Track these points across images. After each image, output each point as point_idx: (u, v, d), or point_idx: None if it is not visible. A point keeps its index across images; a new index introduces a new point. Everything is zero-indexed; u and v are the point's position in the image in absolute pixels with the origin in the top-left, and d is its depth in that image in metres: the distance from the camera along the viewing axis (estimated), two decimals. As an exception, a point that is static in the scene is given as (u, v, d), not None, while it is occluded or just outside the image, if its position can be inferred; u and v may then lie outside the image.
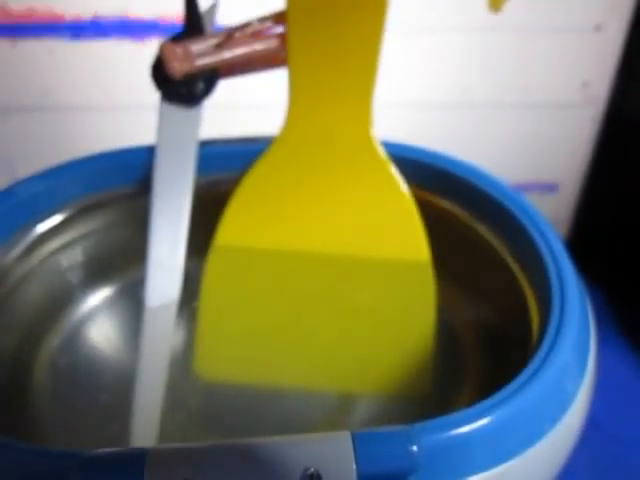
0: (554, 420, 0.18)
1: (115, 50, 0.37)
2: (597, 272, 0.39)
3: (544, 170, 0.42)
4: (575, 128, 0.40)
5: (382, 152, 0.24)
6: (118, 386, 0.23)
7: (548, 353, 0.18)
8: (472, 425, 0.16)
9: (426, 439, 0.15)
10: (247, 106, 0.38)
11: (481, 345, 0.24)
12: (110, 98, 0.39)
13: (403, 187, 0.24)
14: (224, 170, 0.26)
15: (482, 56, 0.37)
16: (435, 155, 0.25)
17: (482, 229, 0.25)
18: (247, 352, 0.24)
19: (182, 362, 0.24)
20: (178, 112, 0.24)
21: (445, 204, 0.26)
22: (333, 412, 0.22)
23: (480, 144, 0.40)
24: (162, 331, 0.24)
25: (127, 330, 0.25)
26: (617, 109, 0.39)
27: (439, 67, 0.38)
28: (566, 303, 0.19)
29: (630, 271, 0.40)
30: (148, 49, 0.37)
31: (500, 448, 0.17)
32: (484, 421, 0.17)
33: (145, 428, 0.21)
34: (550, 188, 0.43)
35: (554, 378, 0.18)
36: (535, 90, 0.39)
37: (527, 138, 0.41)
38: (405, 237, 0.24)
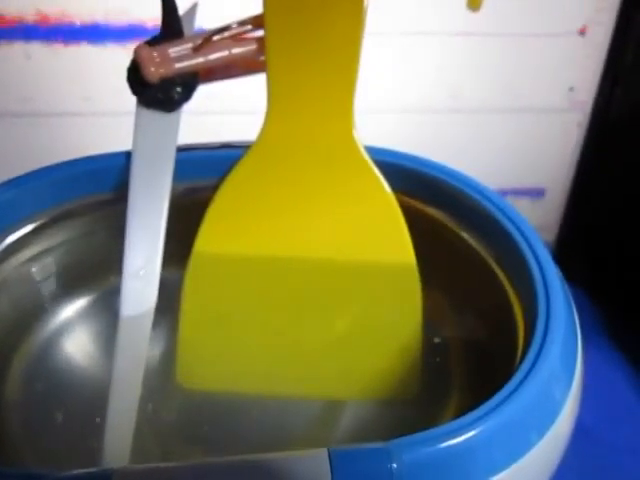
0: (542, 430, 0.17)
1: (96, 54, 0.36)
2: (584, 276, 0.39)
3: (531, 175, 0.42)
4: (561, 133, 0.40)
5: (364, 154, 0.23)
6: (93, 400, 0.22)
7: (535, 361, 0.18)
8: (456, 439, 0.16)
9: (407, 455, 0.15)
10: (226, 112, 0.38)
11: (466, 353, 0.24)
12: (91, 104, 0.38)
13: (386, 188, 0.24)
14: (203, 176, 0.26)
15: (468, 61, 0.37)
16: (419, 161, 0.25)
17: (468, 237, 0.24)
18: (229, 361, 0.23)
19: (163, 372, 0.23)
20: (155, 117, 0.23)
21: (431, 211, 0.25)
22: (318, 421, 0.22)
23: (466, 149, 0.40)
24: (137, 342, 0.23)
25: (102, 342, 0.24)
26: (603, 114, 0.39)
27: (425, 72, 0.37)
28: (552, 311, 0.19)
29: (618, 275, 0.40)
30: (129, 53, 0.36)
31: (486, 462, 0.16)
32: (469, 435, 0.16)
33: (119, 443, 0.21)
34: (537, 193, 0.42)
35: (541, 387, 0.18)
36: (521, 95, 0.38)
37: (514, 143, 0.40)
38: (389, 239, 0.24)
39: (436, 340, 0.24)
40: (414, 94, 0.38)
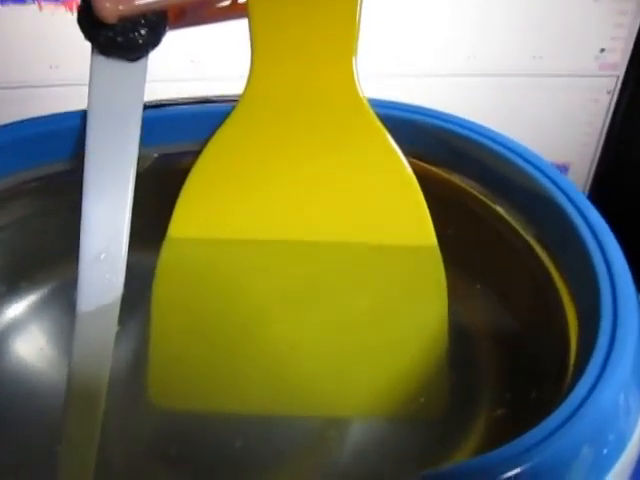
0: (611, 462, 0.13)
1: (62, 17, 0.33)
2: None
3: (554, 149, 0.39)
4: (589, 101, 0.37)
5: (373, 114, 0.20)
6: (49, 412, 0.18)
7: (601, 373, 0.14)
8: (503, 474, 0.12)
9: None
10: (213, 78, 0.34)
11: (500, 354, 0.20)
12: (58, 72, 0.35)
13: (399, 155, 0.20)
14: (178, 140, 0.22)
15: (489, 21, 0.34)
16: (440, 116, 0.21)
17: (503, 210, 0.20)
18: (209, 371, 0.20)
19: (132, 381, 0.19)
20: (115, 68, 0.20)
21: (456, 180, 0.22)
22: (314, 445, 0.17)
23: (486, 116, 0.36)
24: (100, 342, 0.19)
25: (59, 342, 0.21)
26: (636, 80, 0.35)
27: (438, 32, 0.34)
28: (621, 308, 0.15)
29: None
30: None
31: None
32: (516, 470, 0.12)
33: (78, 465, 0.17)
34: (561, 169, 0.39)
35: (610, 406, 0.14)
36: (545, 57, 0.35)
37: (536, 113, 0.37)
38: (405, 219, 0.21)
39: (462, 338, 0.20)
40: (425, 55, 0.35)
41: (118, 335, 0.20)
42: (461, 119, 0.21)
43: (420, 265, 0.21)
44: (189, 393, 0.19)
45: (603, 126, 0.38)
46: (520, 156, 0.19)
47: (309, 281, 0.22)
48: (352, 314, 0.20)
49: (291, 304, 0.21)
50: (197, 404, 0.18)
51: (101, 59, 0.19)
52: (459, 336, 0.19)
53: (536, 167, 0.18)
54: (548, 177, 0.18)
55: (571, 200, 0.17)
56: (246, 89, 0.20)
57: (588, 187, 0.40)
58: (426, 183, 0.21)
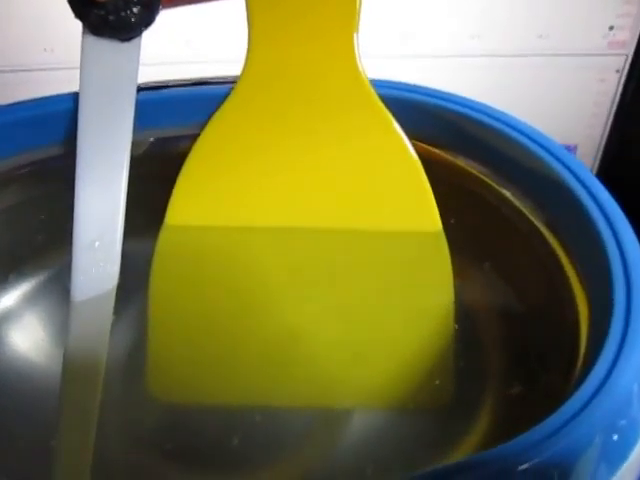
0: (626, 451, 0.13)
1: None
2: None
3: (561, 130, 0.38)
4: (597, 81, 0.36)
5: (375, 94, 0.20)
6: (44, 406, 0.18)
7: (615, 360, 0.13)
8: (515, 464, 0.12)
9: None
10: (210, 61, 0.34)
11: (507, 342, 0.19)
12: (53, 56, 0.34)
13: (403, 137, 0.20)
14: (176, 123, 0.22)
15: (493, 0, 0.33)
16: (443, 96, 0.20)
17: (510, 194, 0.20)
18: (209, 362, 0.19)
19: (128, 373, 0.19)
20: (108, 48, 0.19)
21: (459, 162, 0.21)
22: (317, 436, 0.17)
23: (490, 98, 0.35)
24: (95, 332, 0.19)
25: (53, 333, 0.20)
26: None
27: (445, 13, 0.34)
28: (634, 293, 0.14)
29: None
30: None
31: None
32: (533, 461, 0.12)
33: (74, 460, 0.16)
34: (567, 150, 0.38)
35: (625, 394, 0.13)
36: (552, 35, 0.34)
37: (542, 92, 0.36)
38: (410, 204, 0.20)
39: (469, 322, 0.19)
40: (428, 36, 0.34)
41: (114, 325, 0.19)
42: (466, 99, 0.20)
43: (425, 251, 0.20)
44: (188, 384, 0.18)
45: (611, 106, 0.37)
46: (527, 137, 0.18)
47: (311, 268, 0.21)
48: (355, 301, 0.20)
49: (292, 292, 0.21)
50: (197, 395, 0.18)
51: (92, 39, 0.19)
52: (466, 323, 0.19)
53: (544, 148, 0.18)
54: (557, 158, 0.17)
55: (582, 182, 0.16)
56: (244, 70, 0.20)
57: (595, 169, 0.39)
58: (430, 166, 0.20)
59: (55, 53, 0.34)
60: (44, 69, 0.35)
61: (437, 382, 0.18)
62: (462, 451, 0.16)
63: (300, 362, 0.18)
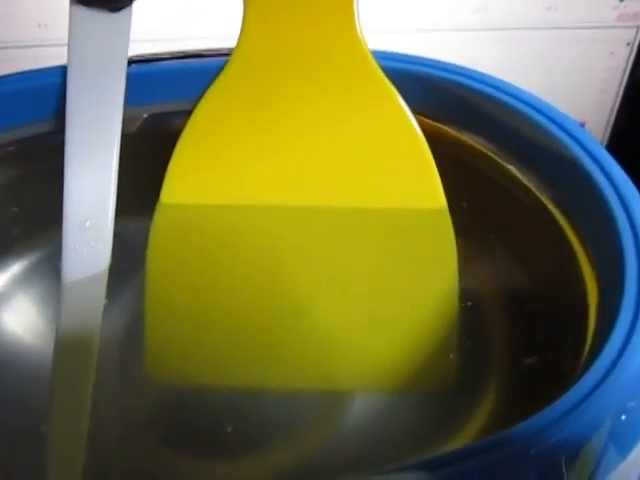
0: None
1: None
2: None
3: (568, 107, 0.36)
4: (606, 55, 0.35)
5: (376, 65, 0.19)
6: (32, 392, 0.17)
7: (627, 340, 0.13)
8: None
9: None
10: (209, 37, 0.32)
11: (513, 322, 0.19)
12: (47, 32, 0.33)
13: (406, 111, 0.19)
14: (171, 98, 0.21)
15: None
16: (447, 68, 0.19)
17: (515, 170, 0.19)
18: (208, 343, 0.18)
19: (121, 357, 0.18)
20: (97, 19, 0.18)
21: (464, 137, 0.20)
22: (318, 420, 0.17)
23: (494, 73, 0.35)
24: (87, 314, 0.19)
25: (43, 316, 0.19)
26: None
27: None
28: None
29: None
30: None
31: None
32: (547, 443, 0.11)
33: (68, 445, 0.16)
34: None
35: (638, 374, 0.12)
36: (561, 8, 0.33)
37: (548, 67, 0.36)
38: (413, 180, 0.19)
39: (473, 303, 0.19)
40: (431, 9, 0.33)
41: (107, 307, 0.19)
42: (470, 70, 0.19)
43: (429, 229, 0.20)
44: (187, 364, 0.18)
45: (621, 81, 0.36)
46: (534, 109, 0.17)
47: (311, 247, 0.21)
48: (356, 280, 0.19)
49: (292, 271, 0.20)
50: (195, 377, 0.18)
51: (80, 9, 0.18)
52: (472, 303, 0.18)
53: (554, 121, 0.17)
54: (567, 132, 0.16)
55: (594, 157, 0.15)
56: (239, 41, 0.19)
57: (604, 146, 0.39)
58: (433, 142, 0.19)
59: (49, 29, 0.33)
60: (38, 45, 0.34)
61: (441, 362, 0.17)
62: (468, 432, 0.16)
63: (300, 344, 0.18)
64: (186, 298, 0.20)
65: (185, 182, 0.21)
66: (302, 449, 0.16)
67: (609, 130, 0.38)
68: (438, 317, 0.18)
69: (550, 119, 0.17)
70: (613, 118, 0.38)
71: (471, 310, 0.18)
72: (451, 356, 0.18)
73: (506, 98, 0.18)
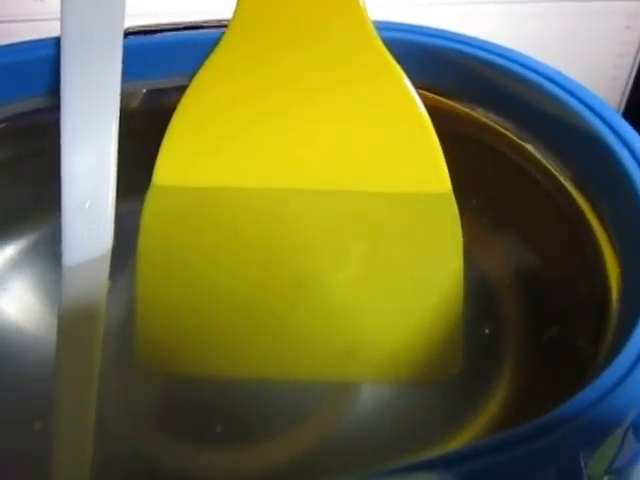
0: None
1: None
2: None
3: (581, 81, 0.36)
4: (622, 27, 0.34)
5: (378, 39, 0.18)
6: (34, 379, 0.17)
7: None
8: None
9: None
10: (208, 12, 0.32)
11: (527, 308, 0.18)
12: (44, 5, 0.32)
13: (409, 88, 0.18)
14: (171, 73, 0.20)
15: None
16: (453, 38, 0.18)
17: (532, 148, 0.18)
18: (201, 330, 0.18)
19: (125, 343, 0.18)
20: None
21: (474, 113, 0.19)
22: (320, 411, 0.16)
23: None
24: (90, 298, 0.18)
25: (44, 301, 0.19)
26: None
27: None
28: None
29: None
30: None
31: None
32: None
33: (73, 446, 0.16)
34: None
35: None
36: None
37: (560, 41, 0.34)
38: (417, 163, 0.19)
39: (485, 292, 0.18)
40: None
41: (111, 292, 0.18)
42: (479, 40, 0.18)
43: (433, 213, 0.19)
44: (179, 354, 0.17)
45: (636, 57, 0.35)
46: (552, 81, 0.16)
47: (313, 232, 0.20)
48: (360, 266, 0.19)
49: (290, 256, 0.19)
50: (188, 366, 0.17)
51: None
52: (484, 289, 0.18)
53: (574, 95, 0.16)
54: (588, 106, 0.15)
55: (617, 134, 0.14)
56: (234, 14, 0.18)
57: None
58: (439, 119, 0.18)
59: (46, 2, 0.33)
60: (34, 19, 0.33)
61: (447, 350, 0.17)
62: (480, 424, 0.15)
63: (300, 331, 0.17)
64: (178, 283, 0.19)
65: (179, 163, 0.20)
66: (302, 441, 0.16)
67: (623, 106, 0.37)
68: (443, 303, 0.18)
69: (571, 93, 0.16)
70: (627, 94, 0.37)
71: (485, 295, 0.17)
72: (458, 343, 0.17)
73: (523, 70, 0.17)
